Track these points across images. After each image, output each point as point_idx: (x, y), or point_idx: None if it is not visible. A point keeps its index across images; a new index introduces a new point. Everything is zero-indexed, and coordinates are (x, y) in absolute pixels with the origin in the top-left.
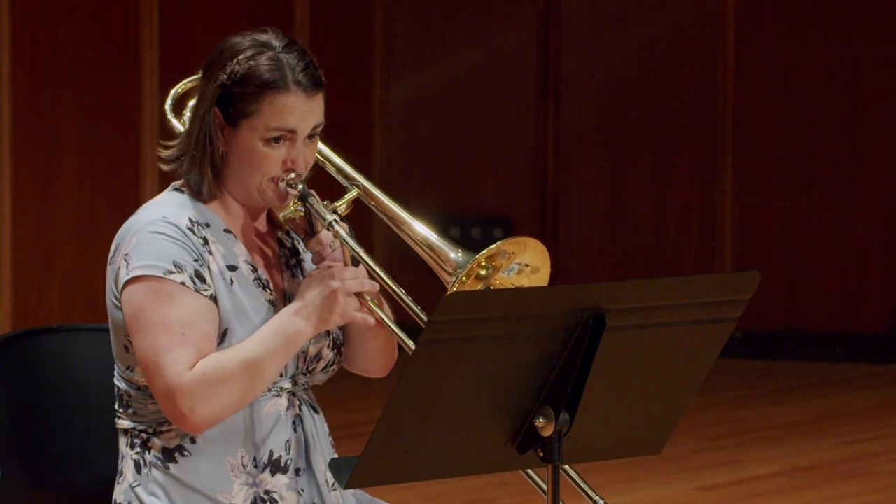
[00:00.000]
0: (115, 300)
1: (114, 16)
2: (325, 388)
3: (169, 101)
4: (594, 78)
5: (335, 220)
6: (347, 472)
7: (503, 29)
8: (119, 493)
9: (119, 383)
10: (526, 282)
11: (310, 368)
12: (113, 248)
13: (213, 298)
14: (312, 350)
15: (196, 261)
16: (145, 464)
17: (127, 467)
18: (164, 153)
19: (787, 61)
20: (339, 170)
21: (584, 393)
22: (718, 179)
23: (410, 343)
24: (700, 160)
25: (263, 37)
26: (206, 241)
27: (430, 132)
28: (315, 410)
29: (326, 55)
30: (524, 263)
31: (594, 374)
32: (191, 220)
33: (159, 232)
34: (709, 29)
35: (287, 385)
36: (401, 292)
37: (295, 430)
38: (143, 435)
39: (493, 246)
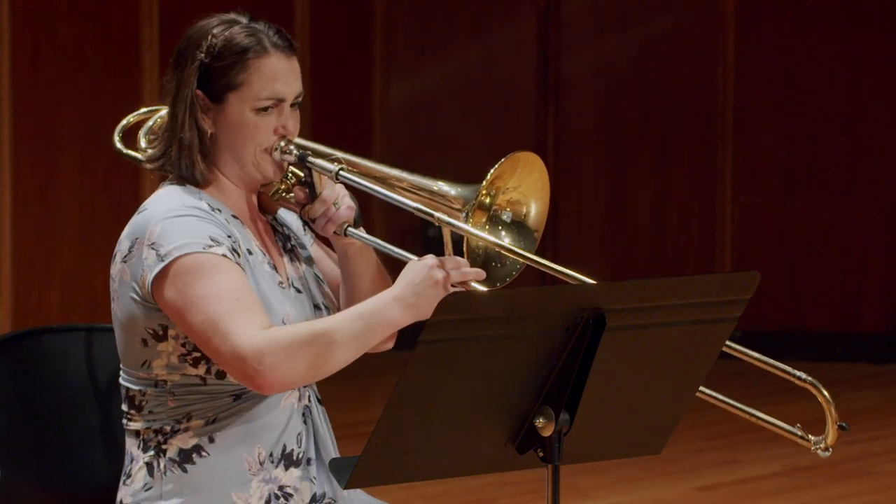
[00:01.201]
0: (134, 294)
1: (114, 16)
2: (325, 388)
3: (118, 132)
4: (594, 78)
5: (342, 168)
6: (347, 472)
7: (503, 29)
8: (126, 494)
9: (129, 384)
10: (515, 196)
11: None
12: (127, 243)
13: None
14: None
15: (230, 237)
16: (160, 466)
17: (138, 470)
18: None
19: (787, 61)
20: (315, 152)
21: (584, 393)
22: (718, 179)
23: None
24: (700, 160)
25: (227, 15)
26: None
27: (430, 132)
28: (319, 401)
29: (326, 55)
30: (508, 187)
31: (594, 374)
32: (208, 204)
33: (186, 214)
34: (709, 29)
35: None
36: (466, 226)
37: (305, 421)
38: (159, 437)
39: (490, 174)
